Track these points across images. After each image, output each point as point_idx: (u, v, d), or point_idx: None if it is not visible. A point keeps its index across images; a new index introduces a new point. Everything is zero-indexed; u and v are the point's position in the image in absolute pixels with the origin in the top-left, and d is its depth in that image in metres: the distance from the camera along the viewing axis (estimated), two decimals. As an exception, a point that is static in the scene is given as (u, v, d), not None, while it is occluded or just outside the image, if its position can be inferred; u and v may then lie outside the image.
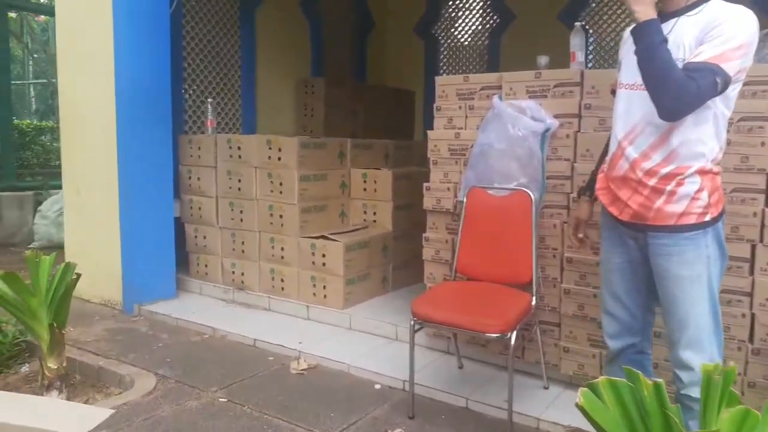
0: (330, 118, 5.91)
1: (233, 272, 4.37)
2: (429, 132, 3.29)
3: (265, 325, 3.84)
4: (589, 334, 2.84)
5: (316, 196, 4.15)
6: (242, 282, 4.34)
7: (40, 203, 7.05)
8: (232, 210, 4.32)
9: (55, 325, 2.73)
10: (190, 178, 4.52)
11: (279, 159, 4.06)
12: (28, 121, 8.70)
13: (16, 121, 7.87)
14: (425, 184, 3.31)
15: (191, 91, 5.12)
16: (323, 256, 3.93)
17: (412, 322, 2.64)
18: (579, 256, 2.84)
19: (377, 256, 4.20)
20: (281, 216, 4.09)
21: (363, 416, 2.72)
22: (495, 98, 2.99)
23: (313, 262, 3.98)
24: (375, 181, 4.34)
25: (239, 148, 4.24)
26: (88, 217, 4.42)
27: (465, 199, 2.99)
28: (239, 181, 4.27)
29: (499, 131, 2.89)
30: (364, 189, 4.39)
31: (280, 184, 4.06)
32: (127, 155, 4.06)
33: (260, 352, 3.49)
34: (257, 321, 3.93)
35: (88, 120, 4.34)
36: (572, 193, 2.85)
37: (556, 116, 2.86)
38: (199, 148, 4.44)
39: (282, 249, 4.12)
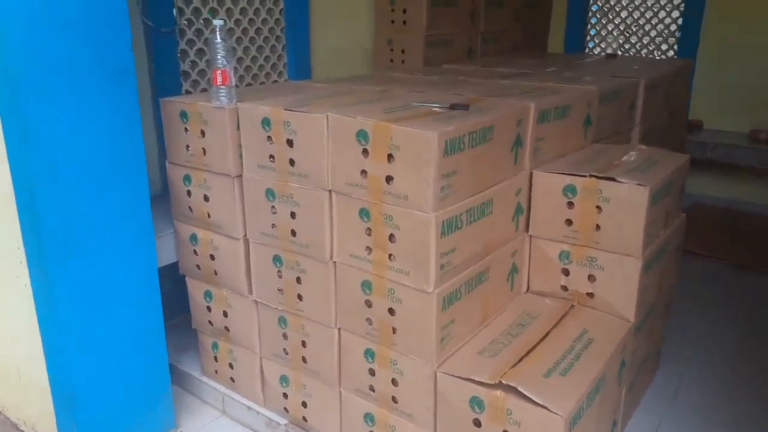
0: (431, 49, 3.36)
1: (285, 393, 2.11)
2: None
3: None
4: None
5: (468, 257, 1.75)
6: (303, 418, 2.08)
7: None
8: (280, 272, 1.97)
9: None
10: (189, 193, 2.14)
11: (389, 181, 1.63)
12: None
13: None
14: None
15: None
16: None
17: None
18: None
19: (608, 400, 1.84)
20: (392, 310, 1.73)
21: None
22: None
23: (472, 433, 1.65)
24: (598, 207, 1.89)
25: (290, 142, 1.81)
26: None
27: None
28: (292, 215, 1.87)
29: None
30: (568, 221, 1.96)
31: (390, 237, 1.67)
32: (28, 152, 1.71)
33: None
34: None
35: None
36: None
37: None
38: (203, 132, 2.00)
39: (393, 382, 1.80)
